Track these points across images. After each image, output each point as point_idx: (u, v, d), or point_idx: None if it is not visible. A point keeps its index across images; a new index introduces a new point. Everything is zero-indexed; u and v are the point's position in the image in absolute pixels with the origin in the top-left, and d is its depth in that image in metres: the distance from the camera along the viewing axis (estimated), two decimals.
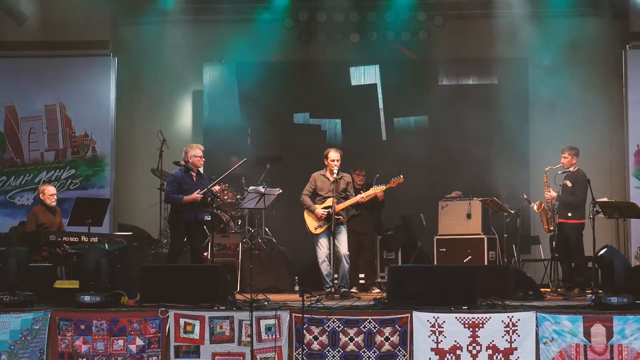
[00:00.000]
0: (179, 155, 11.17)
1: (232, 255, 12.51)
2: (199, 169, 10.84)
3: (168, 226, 11.26)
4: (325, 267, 11.16)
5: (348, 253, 11.19)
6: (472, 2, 13.89)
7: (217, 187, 10.72)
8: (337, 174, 11.20)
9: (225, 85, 14.35)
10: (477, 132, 14.21)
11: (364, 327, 8.80)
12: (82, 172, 13.59)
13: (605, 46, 13.47)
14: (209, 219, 11.36)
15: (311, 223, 11.30)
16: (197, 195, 10.54)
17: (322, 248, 11.19)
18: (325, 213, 11.13)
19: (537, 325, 8.64)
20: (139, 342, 8.98)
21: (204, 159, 10.78)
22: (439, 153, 13.88)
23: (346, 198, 11.30)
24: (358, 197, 11.31)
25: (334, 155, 11.25)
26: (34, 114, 13.63)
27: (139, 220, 13.32)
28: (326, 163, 11.31)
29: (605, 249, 9.31)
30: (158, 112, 13.87)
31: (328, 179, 11.25)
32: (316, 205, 11.25)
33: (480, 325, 8.69)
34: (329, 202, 11.15)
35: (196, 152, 10.70)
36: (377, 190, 11.51)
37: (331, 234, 11.08)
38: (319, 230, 11.22)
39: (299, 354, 8.80)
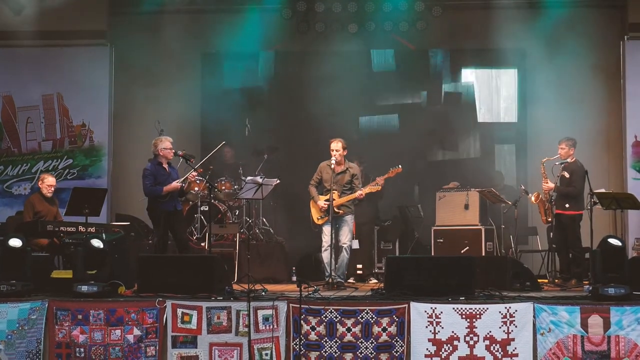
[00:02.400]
0: (176, 146, 11.15)
1: (230, 245, 12.51)
2: (169, 160, 10.96)
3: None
4: (326, 256, 11.18)
5: (349, 244, 11.20)
6: None
7: (194, 173, 10.86)
8: (342, 165, 11.20)
9: (222, 75, 14.31)
10: (474, 123, 14.24)
11: (362, 317, 8.81)
12: (79, 162, 13.55)
13: (604, 37, 13.44)
14: (206, 208, 11.40)
15: (314, 213, 11.34)
16: (177, 184, 10.69)
17: (325, 236, 11.22)
18: (326, 206, 11.14)
19: (534, 316, 8.66)
20: (137, 332, 8.99)
21: (173, 150, 10.86)
22: (435, 144, 13.90)
23: (351, 189, 11.28)
24: (357, 194, 11.29)
25: (334, 145, 11.24)
26: (31, 104, 13.58)
27: (136, 210, 13.27)
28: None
29: (617, 241, 9.27)
30: (155, 102, 13.81)
31: (333, 170, 11.25)
32: (320, 197, 11.28)
33: (478, 316, 8.70)
34: (329, 194, 11.16)
35: (165, 144, 10.85)
36: (373, 189, 11.48)
37: (332, 225, 11.08)
38: (320, 221, 11.25)
39: (296, 344, 8.81)
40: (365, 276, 12.52)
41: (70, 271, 9.90)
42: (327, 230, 11.22)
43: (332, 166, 11.15)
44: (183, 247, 10.88)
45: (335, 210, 11.07)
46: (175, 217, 10.89)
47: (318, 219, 11.26)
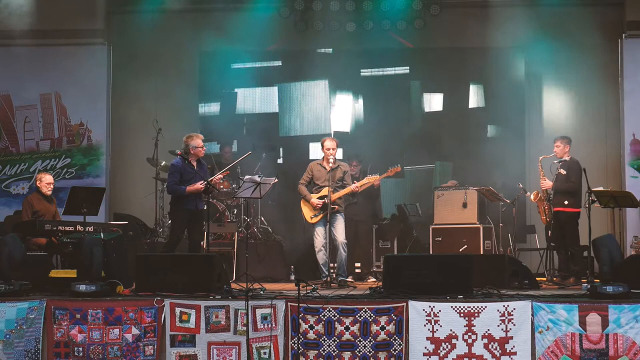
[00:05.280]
0: (174, 144, 11.14)
1: (228, 244, 12.52)
2: (199, 157, 10.82)
3: (168, 215, 11.21)
4: (321, 257, 11.17)
5: (345, 241, 11.19)
6: None
7: (219, 176, 10.77)
8: (334, 163, 11.18)
9: (220, 74, 14.32)
10: (473, 121, 14.25)
11: (360, 316, 8.80)
12: (77, 161, 13.55)
13: (601, 35, 13.44)
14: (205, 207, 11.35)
15: (307, 212, 11.31)
16: (200, 185, 10.48)
17: (319, 237, 11.20)
18: (321, 203, 11.13)
19: (532, 315, 8.66)
20: (135, 331, 8.98)
21: (205, 148, 10.75)
22: (433, 142, 13.93)
23: (343, 187, 11.29)
24: (353, 186, 11.31)
25: (329, 144, 11.24)
26: (29, 103, 13.58)
27: (134, 210, 13.31)
28: (323, 152, 11.31)
29: (597, 239, 9.36)
30: (153, 101, 13.82)
31: (325, 168, 11.25)
32: (312, 195, 11.25)
33: (476, 314, 8.70)
34: (324, 191, 11.15)
35: (197, 142, 10.64)
36: (371, 179, 11.52)
37: (328, 222, 11.08)
38: (314, 220, 11.23)
39: (294, 343, 8.81)
40: (363, 275, 12.53)
41: (68, 270, 9.90)
42: (320, 231, 11.21)
43: (330, 163, 11.15)
44: (195, 248, 10.78)
45: (331, 205, 11.05)
46: (195, 217, 10.73)
47: (312, 217, 11.26)
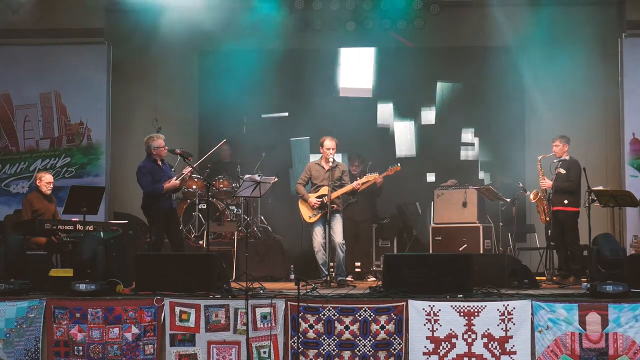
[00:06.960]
0: (174, 144, 11.15)
1: (228, 243, 12.53)
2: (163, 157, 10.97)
3: (147, 219, 11.30)
4: (320, 256, 11.17)
5: (343, 242, 11.19)
6: None
7: (188, 169, 10.85)
8: (333, 162, 11.18)
9: (220, 73, 14.30)
10: (473, 121, 14.24)
11: (360, 315, 8.81)
12: (77, 160, 13.54)
13: (601, 34, 13.44)
14: (204, 207, 11.38)
15: (305, 212, 11.31)
16: (176, 182, 10.71)
17: (317, 237, 11.20)
18: (318, 202, 11.13)
19: (532, 314, 8.67)
20: (135, 330, 8.99)
21: (166, 148, 10.88)
22: (434, 141, 13.93)
23: (341, 186, 11.28)
24: (354, 184, 11.30)
25: (329, 143, 11.23)
26: (29, 102, 13.56)
27: (134, 209, 13.25)
28: (322, 151, 11.30)
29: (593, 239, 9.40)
30: (153, 100, 13.81)
31: (323, 167, 11.25)
32: (310, 194, 11.25)
33: (476, 313, 8.70)
34: (323, 190, 11.15)
35: (159, 142, 10.84)
36: (370, 178, 11.50)
37: (326, 222, 11.07)
38: (312, 219, 11.23)
39: (294, 342, 8.81)
40: (363, 274, 12.52)
41: (68, 269, 9.89)
42: (318, 230, 11.21)
43: (330, 163, 11.15)
44: (179, 246, 10.87)
45: (330, 205, 11.04)
46: (171, 215, 10.92)
47: (310, 217, 11.25)
